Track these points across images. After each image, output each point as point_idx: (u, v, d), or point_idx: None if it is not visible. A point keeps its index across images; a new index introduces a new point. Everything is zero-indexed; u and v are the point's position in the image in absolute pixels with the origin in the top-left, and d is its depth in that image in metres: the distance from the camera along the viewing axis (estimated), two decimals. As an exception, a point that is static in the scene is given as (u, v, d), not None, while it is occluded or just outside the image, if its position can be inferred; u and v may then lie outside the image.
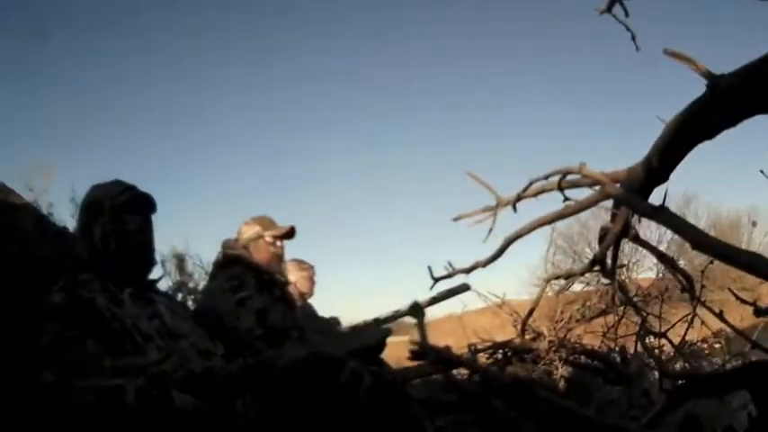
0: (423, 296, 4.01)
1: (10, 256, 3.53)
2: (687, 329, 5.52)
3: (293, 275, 5.26)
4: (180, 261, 7.33)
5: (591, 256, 5.25)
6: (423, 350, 3.22)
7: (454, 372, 5.26)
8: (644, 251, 5.49)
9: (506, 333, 6.88)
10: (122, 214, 2.98)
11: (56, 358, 2.39)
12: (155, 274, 3.19)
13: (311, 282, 5.53)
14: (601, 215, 6.67)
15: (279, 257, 4.21)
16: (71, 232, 5.18)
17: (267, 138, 48.69)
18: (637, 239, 4.56)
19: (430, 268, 5.24)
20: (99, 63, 46.81)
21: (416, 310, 3.50)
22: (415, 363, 3.53)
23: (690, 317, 5.31)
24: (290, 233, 4.23)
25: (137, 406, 2.29)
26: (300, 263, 5.30)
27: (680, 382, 3.52)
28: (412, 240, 41.59)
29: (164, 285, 6.42)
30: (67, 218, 5.47)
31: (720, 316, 3.49)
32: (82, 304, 2.60)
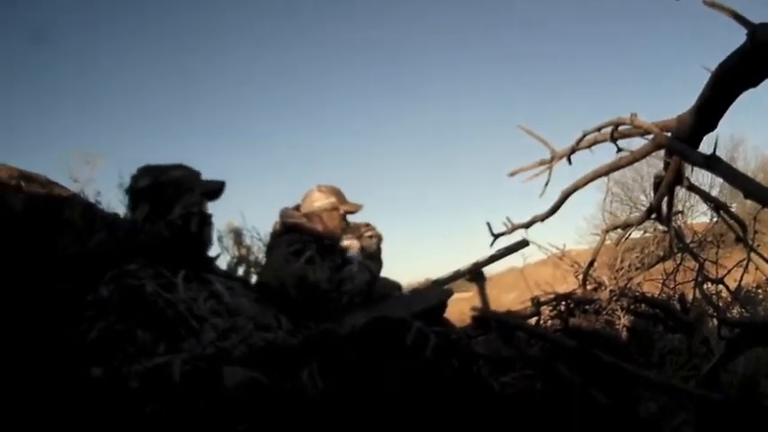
0: (482, 253, 4.05)
1: (56, 248, 3.58)
2: (743, 275, 5.51)
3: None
4: (237, 236, 7.34)
5: (646, 203, 5.26)
6: (485, 317, 3.22)
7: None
8: (698, 196, 5.43)
9: (568, 284, 6.88)
10: (208, 200, 3.16)
11: (104, 352, 2.44)
12: (212, 252, 3.31)
13: None
14: (653, 162, 6.60)
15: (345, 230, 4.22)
16: (121, 218, 5.23)
17: (317, 105, 48.82)
18: (691, 188, 4.56)
19: (489, 225, 5.25)
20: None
21: (478, 275, 3.50)
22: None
23: (744, 262, 5.29)
24: (358, 211, 4.24)
25: (183, 382, 2.35)
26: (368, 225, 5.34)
27: (737, 330, 3.52)
28: (471, 198, 41.49)
29: (222, 262, 6.47)
30: (117, 204, 5.49)
31: (771, 263, 3.50)
32: (130, 294, 2.65)
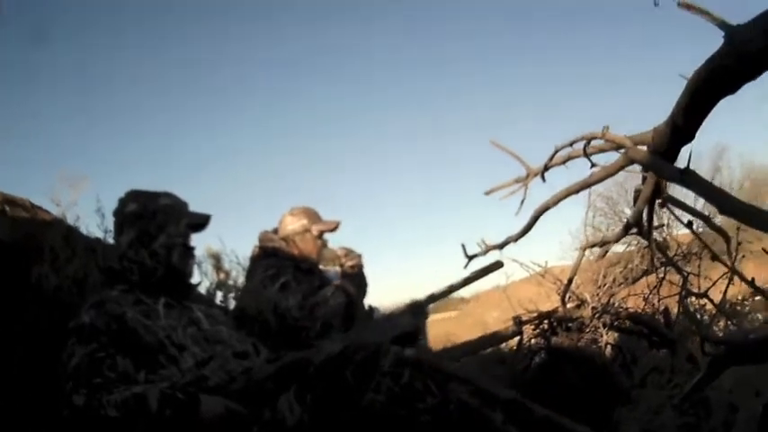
0: (458, 275, 4.00)
1: (38, 275, 3.57)
2: (727, 287, 5.48)
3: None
4: (216, 260, 7.30)
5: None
6: (419, 361, 3.15)
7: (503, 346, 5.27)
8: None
9: (552, 302, 6.85)
10: (192, 233, 3.15)
11: (86, 380, 2.44)
12: (193, 279, 3.30)
13: None
14: (637, 175, 6.57)
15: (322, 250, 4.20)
16: (101, 243, 5.21)
17: (290, 125, 49.32)
18: (670, 200, 4.50)
19: (464, 246, 5.20)
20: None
21: (418, 311, 3.32)
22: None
23: (729, 274, 5.26)
24: (335, 228, 4.24)
25: (160, 412, 2.35)
26: (349, 252, 5.26)
27: (721, 347, 3.48)
28: (446, 219, 41.84)
29: (202, 287, 6.44)
30: (94, 229, 5.49)
31: (752, 284, 3.45)
32: (111, 321, 2.64)
